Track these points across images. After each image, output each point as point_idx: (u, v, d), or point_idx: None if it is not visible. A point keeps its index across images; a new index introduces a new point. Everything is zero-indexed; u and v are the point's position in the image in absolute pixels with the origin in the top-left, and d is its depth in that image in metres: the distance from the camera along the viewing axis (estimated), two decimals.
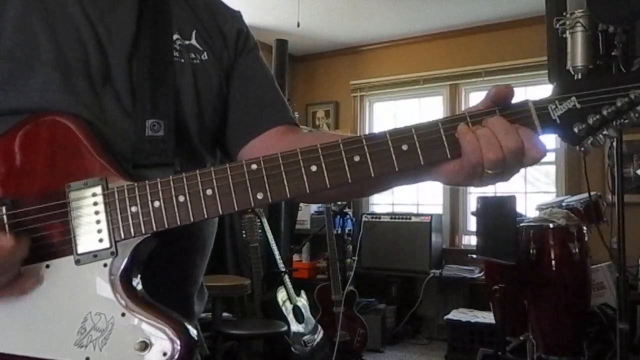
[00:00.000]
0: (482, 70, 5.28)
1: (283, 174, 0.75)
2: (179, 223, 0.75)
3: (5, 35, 0.84)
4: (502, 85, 0.75)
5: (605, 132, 0.73)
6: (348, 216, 5.13)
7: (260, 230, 4.05)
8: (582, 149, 0.74)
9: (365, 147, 0.75)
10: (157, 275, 0.81)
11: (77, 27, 0.87)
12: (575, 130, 0.73)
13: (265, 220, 4.18)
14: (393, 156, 0.74)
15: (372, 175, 0.75)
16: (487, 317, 4.15)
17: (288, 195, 0.75)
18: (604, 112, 0.72)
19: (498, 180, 0.76)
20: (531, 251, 3.18)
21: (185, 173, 0.76)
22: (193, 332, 0.75)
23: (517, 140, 0.71)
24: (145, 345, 0.73)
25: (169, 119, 0.86)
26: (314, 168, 0.74)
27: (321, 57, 6.29)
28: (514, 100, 0.76)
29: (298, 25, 4.81)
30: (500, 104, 0.75)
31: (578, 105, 0.73)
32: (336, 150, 0.75)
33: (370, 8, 5.02)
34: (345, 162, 0.74)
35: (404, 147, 0.75)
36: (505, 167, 0.73)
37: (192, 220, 0.75)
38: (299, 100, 6.17)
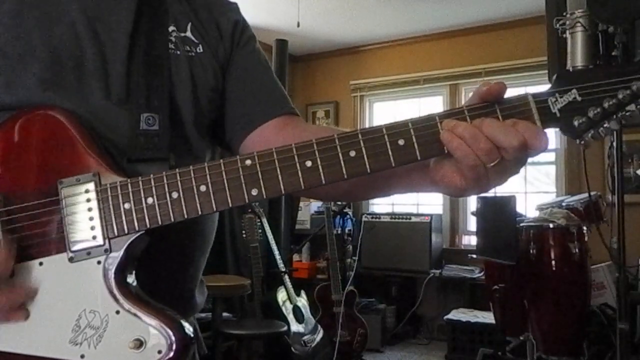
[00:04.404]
0: (482, 70, 5.27)
1: (278, 169, 0.73)
2: (172, 220, 0.74)
3: None
4: (493, 83, 0.73)
5: (606, 125, 0.71)
6: (348, 216, 5.13)
7: (260, 230, 4.04)
8: (583, 142, 0.72)
9: (361, 142, 0.73)
10: (156, 271, 0.81)
11: (74, 22, 0.86)
12: (576, 123, 0.71)
13: (265, 220, 4.17)
14: (389, 151, 0.73)
15: (368, 170, 0.73)
16: (487, 317, 4.14)
17: (283, 191, 0.74)
18: (605, 105, 0.70)
19: (507, 175, 0.74)
20: (531, 251, 3.18)
21: (179, 169, 0.75)
22: (189, 329, 0.74)
23: (518, 137, 0.69)
24: (140, 343, 0.72)
25: (163, 112, 0.85)
26: (309, 163, 0.73)
27: (321, 57, 6.29)
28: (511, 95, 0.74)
29: (298, 25, 4.81)
30: (491, 102, 0.73)
31: (579, 98, 0.71)
32: (331, 145, 0.73)
33: (370, 8, 5.02)
34: (341, 158, 0.73)
35: (401, 142, 0.73)
36: (511, 162, 0.71)
37: (185, 217, 0.74)
38: (299, 100, 6.16)
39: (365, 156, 0.73)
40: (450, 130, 0.72)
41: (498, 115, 0.73)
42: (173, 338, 0.72)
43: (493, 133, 0.70)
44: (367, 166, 0.73)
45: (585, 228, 3.22)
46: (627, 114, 0.70)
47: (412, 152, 0.73)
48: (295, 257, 5.32)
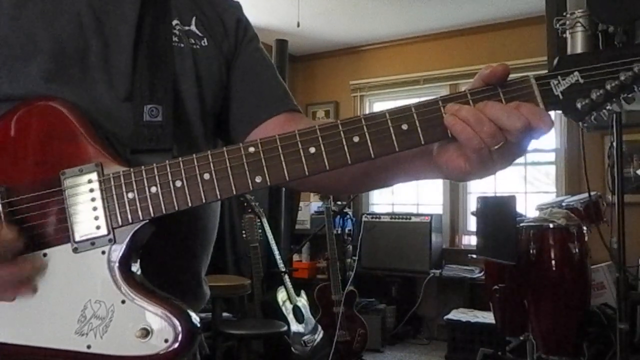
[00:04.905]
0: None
1: (281, 156, 0.73)
2: (176, 208, 0.74)
3: (1, 22, 0.83)
4: (496, 65, 0.73)
5: (608, 107, 0.71)
6: (348, 216, 5.13)
7: (260, 230, 4.04)
8: (585, 124, 0.73)
9: (365, 128, 0.73)
10: (158, 265, 0.81)
11: (78, 15, 0.87)
12: (579, 105, 0.71)
13: (265, 220, 4.17)
14: (393, 136, 0.73)
15: (372, 156, 0.73)
16: (487, 317, 4.14)
17: (287, 178, 0.73)
18: (608, 87, 0.70)
19: (511, 158, 0.74)
20: (531, 251, 3.17)
21: (182, 158, 0.75)
22: (195, 319, 0.74)
23: (522, 119, 0.70)
24: (147, 332, 0.72)
25: (167, 104, 0.85)
26: (312, 150, 0.73)
27: (321, 57, 6.29)
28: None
29: (298, 25, 4.81)
30: (494, 84, 0.73)
31: (581, 80, 0.71)
32: (335, 131, 0.73)
33: (370, 8, 5.02)
34: (345, 143, 0.73)
35: (404, 127, 0.73)
36: (515, 144, 0.71)
37: (189, 205, 0.74)
38: (299, 100, 6.11)
39: (369, 141, 0.73)
40: (453, 114, 0.72)
41: (501, 98, 0.73)
42: (180, 327, 0.72)
43: (496, 116, 0.70)
44: (371, 151, 0.73)
45: (585, 228, 3.23)
46: (630, 95, 0.70)
47: (416, 137, 0.73)
48: (295, 257, 5.32)
